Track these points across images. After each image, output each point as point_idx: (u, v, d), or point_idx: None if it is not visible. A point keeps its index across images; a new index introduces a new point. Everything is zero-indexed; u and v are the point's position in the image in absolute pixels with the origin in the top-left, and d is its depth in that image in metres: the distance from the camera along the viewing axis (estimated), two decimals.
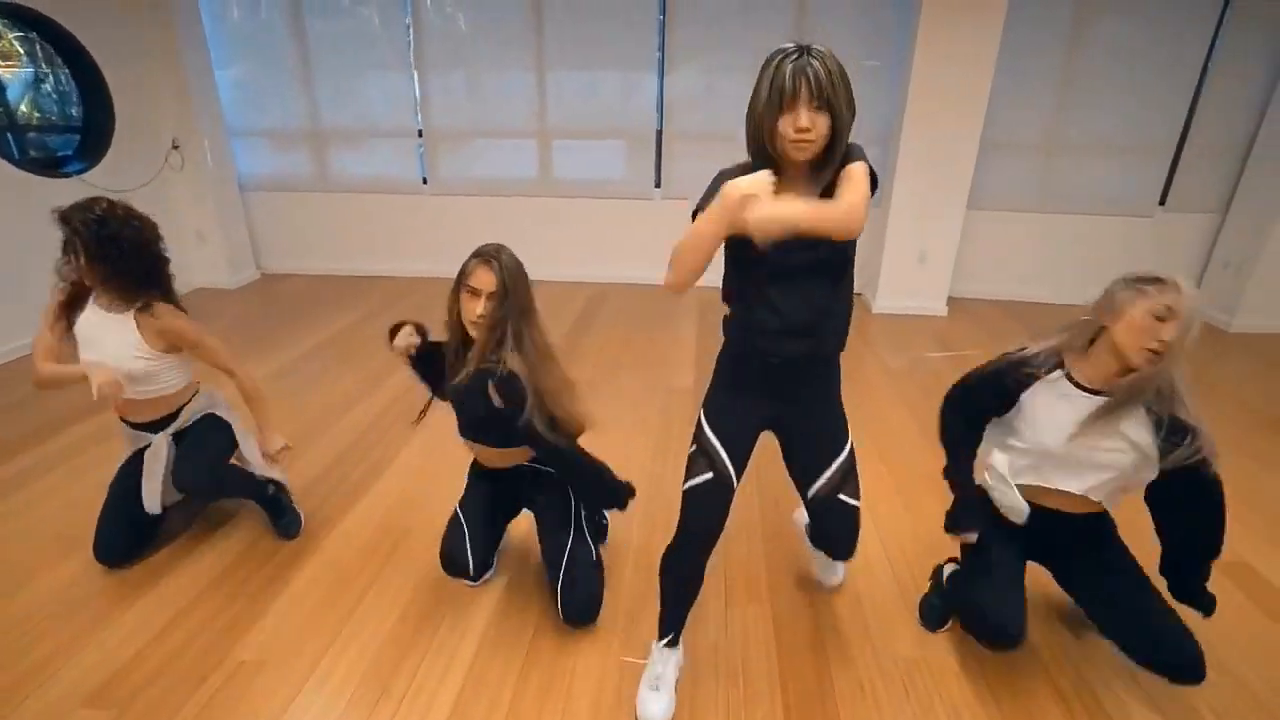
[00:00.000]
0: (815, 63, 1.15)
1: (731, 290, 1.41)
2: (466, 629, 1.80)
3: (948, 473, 1.67)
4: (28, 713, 1.54)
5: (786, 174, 1.26)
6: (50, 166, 3.98)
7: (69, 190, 3.89)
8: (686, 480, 1.49)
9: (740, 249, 1.30)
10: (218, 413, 2.08)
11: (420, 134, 4.86)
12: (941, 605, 1.84)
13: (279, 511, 2.13)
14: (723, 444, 1.46)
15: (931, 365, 3.70)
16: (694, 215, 1.29)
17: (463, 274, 1.57)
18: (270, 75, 4.79)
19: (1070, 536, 1.61)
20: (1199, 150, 4.40)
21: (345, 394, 3.18)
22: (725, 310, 1.45)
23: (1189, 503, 1.45)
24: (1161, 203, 4.53)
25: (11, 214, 3.56)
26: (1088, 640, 1.79)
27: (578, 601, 1.73)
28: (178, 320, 1.88)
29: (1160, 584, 1.55)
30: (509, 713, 1.56)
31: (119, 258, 1.74)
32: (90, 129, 4.16)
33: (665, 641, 1.57)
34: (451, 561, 1.85)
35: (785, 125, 1.17)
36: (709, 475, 1.45)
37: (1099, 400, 1.42)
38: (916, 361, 3.74)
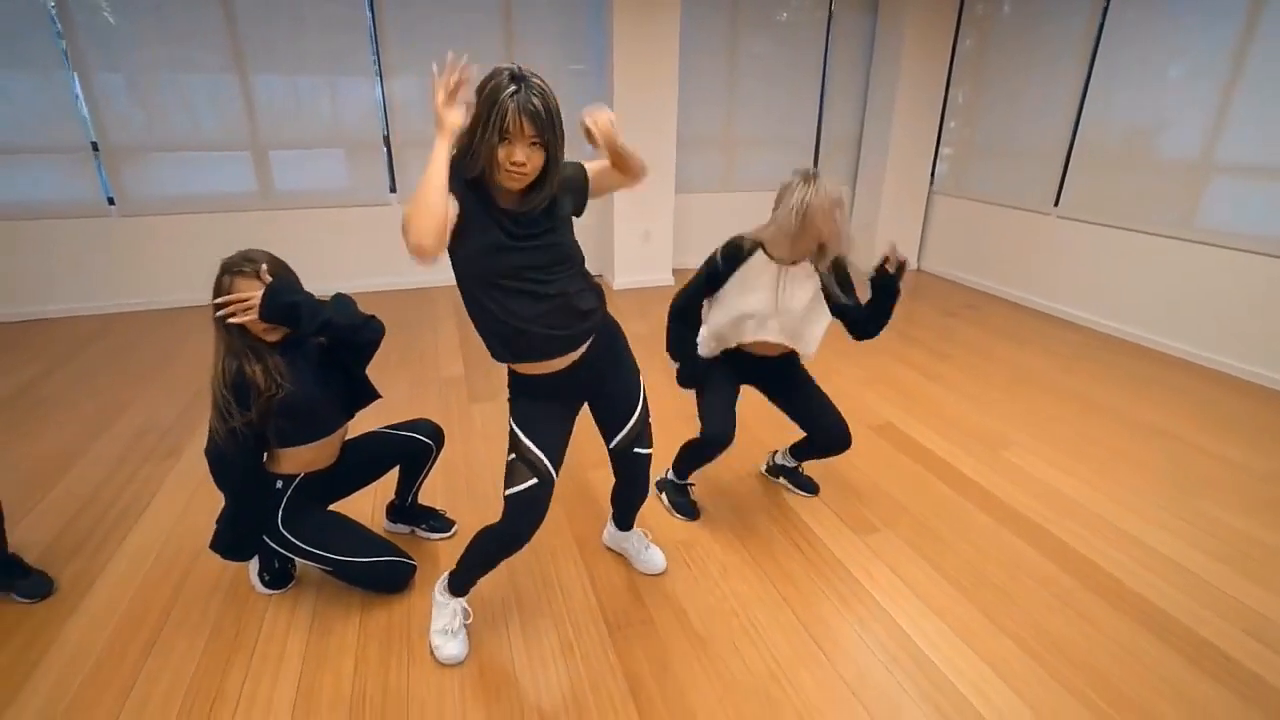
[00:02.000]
0: (535, 100, 1.25)
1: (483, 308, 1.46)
2: (290, 626, 1.81)
3: (680, 371, 2.14)
4: None
5: (499, 194, 1.38)
6: None
7: None
8: (510, 487, 1.54)
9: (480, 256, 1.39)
10: None
11: (95, 147, 4.17)
12: (683, 493, 2.34)
13: (19, 573, 1.86)
14: (541, 449, 1.55)
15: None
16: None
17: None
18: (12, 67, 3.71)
19: (772, 370, 2.19)
20: (831, 141, 5.78)
21: (60, 448, 2.73)
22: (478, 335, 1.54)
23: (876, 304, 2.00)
24: None
25: None
26: (797, 499, 2.44)
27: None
28: None
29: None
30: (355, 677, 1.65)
31: None
32: None
33: (460, 594, 1.73)
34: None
35: (503, 156, 1.28)
36: (533, 481, 1.54)
37: (790, 269, 1.94)
38: (660, 323, 4.36)
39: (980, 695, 1.62)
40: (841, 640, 1.79)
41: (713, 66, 5.21)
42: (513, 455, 1.56)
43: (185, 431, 2.86)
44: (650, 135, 4.79)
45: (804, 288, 1.98)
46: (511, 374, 1.62)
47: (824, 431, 2.19)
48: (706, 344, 2.16)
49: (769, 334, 2.04)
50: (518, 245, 1.40)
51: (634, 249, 5.10)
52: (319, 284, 5.12)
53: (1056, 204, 4.60)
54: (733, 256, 1.98)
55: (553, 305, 1.46)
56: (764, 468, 2.58)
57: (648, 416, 1.78)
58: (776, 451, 2.53)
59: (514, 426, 1.58)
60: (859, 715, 1.56)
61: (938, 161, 5.65)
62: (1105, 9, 4.16)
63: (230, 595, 1.92)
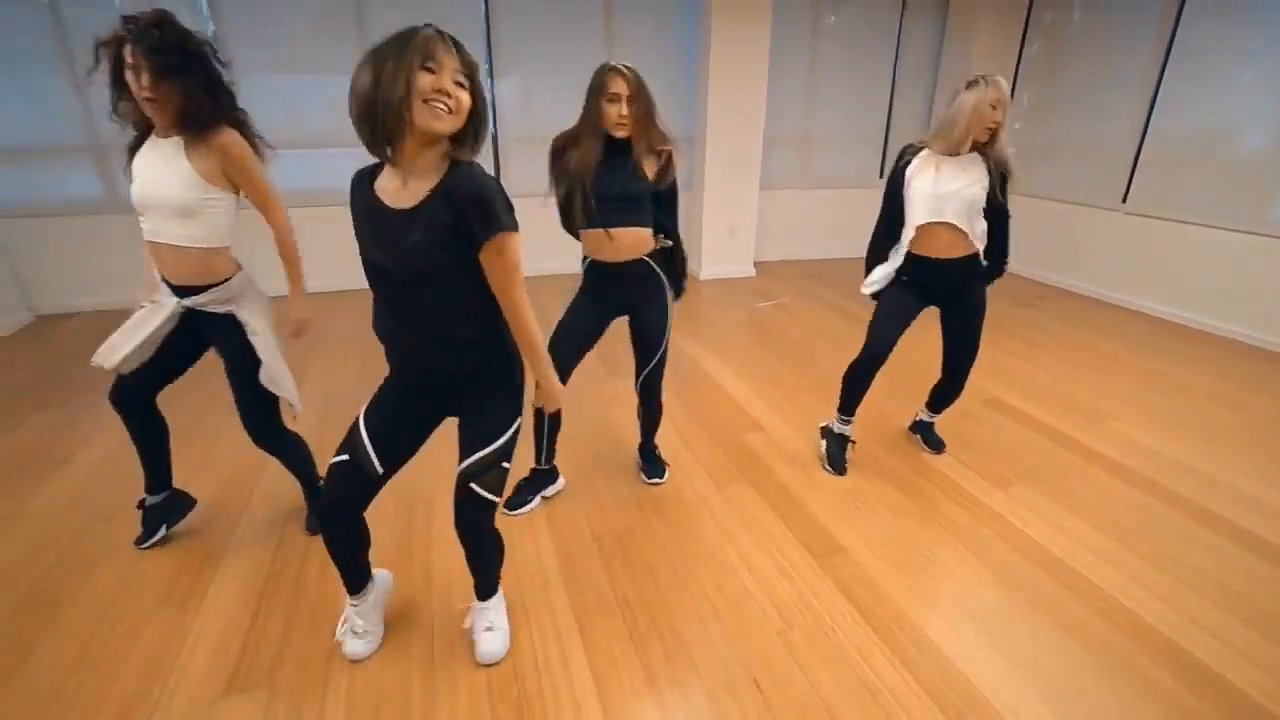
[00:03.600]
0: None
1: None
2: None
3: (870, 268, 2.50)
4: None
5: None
6: None
7: None
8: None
9: None
10: (239, 314, 1.89)
11: None
12: (841, 446, 2.64)
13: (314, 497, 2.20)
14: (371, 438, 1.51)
15: (763, 312, 4.68)
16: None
17: (601, 86, 1.95)
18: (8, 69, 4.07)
19: (952, 280, 2.37)
20: (900, 135, 6.07)
21: None
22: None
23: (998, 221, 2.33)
24: (880, 176, 6.14)
25: None
26: (934, 461, 2.76)
27: None
28: (233, 136, 1.74)
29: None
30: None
31: (190, 69, 1.64)
32: None
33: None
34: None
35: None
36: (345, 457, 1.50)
37: (947, 158, 2.23)
38: (751, 311, 4.69)
39: (1137, 604, 1.93)
40: (1012, 569, 2.11)
41: (794, 68, 5.52)
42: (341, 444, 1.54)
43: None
44: (739, 134, 5.10)
45: (962, 175, 2.22)
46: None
47: (954, 374, 2.55)
48: (898, 251, 2.42)
49: (937, 215, 2.25)
50: None
51: (720, 243, 5.42)
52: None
53: (1125, 200, 4.89)
54: (900, 156, 2.34)
55: None
56: (909, 424, 2.91)
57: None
58: (919, 410, 2.85)
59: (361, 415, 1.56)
60: (1044, 620, 1.88)
61: None
62: (1178, 18, 4.44)
63: None
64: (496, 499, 1.54)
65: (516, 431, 1.53)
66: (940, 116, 2.26)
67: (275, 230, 1.92)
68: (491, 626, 1.73)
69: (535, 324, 1.44)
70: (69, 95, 4.15)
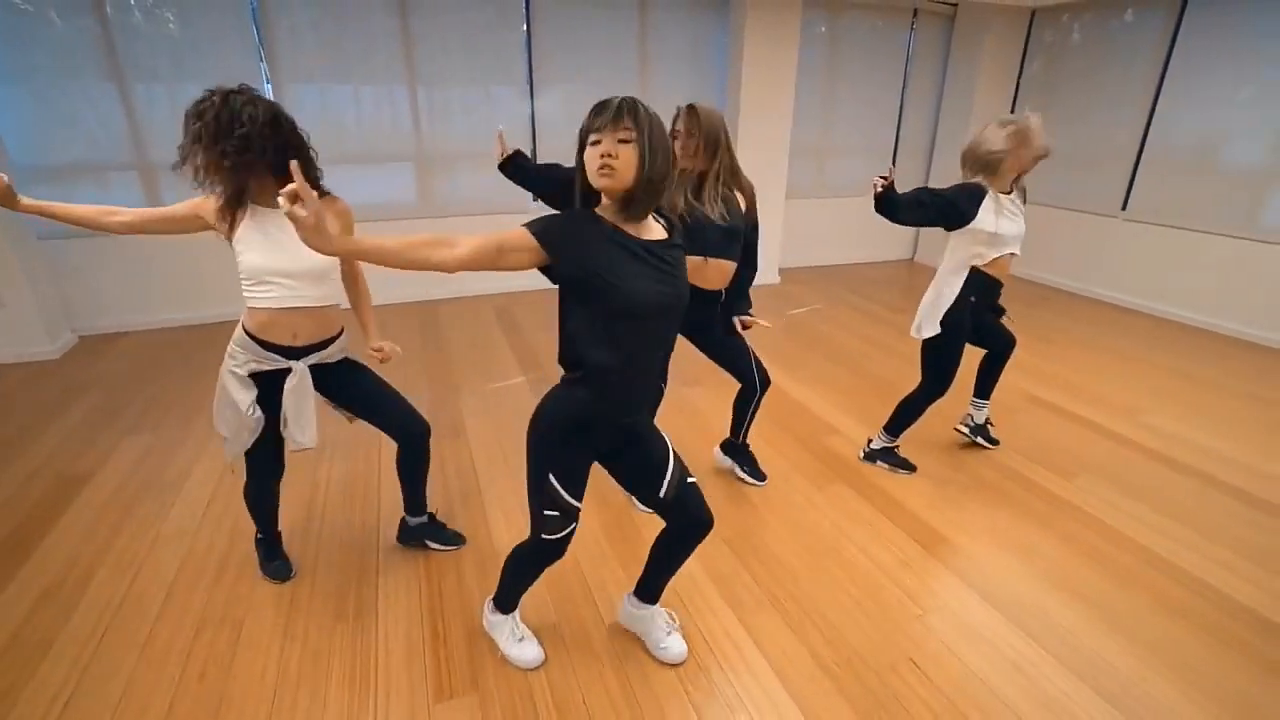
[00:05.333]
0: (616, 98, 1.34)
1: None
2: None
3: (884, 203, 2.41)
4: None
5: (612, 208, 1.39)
6: None
7: None
8: (550, 534, 1.58)
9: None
10: (349, 356, 2.02)
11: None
12: (894, 454, 2.86)
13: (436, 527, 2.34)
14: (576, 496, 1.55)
15: (797, 318, 4.91)
16: (541, 237, 1.31)
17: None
18: (60, 94, 4.03)
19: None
20: (908, 149, 6.38)
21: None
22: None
23: None
24: None
25: None
26: (995, 455, 3.01)
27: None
28: (344, 201, 1.86)
29: None
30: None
31: (290, 145, 1.67)
32: None
33: (505, 612, 1.86)
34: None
35: (590, 155, 1.33)
36: (571, 527, 1.59)
37: (1008, 197, 2.48)
38: (789, 319, 4.91)
39: (1220, 581, 2.20)
40: (1103, 554, 2.35)
41: (812, 83, 5.77)
42: (555, 512, 1.54)
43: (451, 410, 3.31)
44: (767, 147, 5.33)
45: (1018, 211, 2.53)
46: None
47: (1001, 351, 2.83)
48: (955, 276, 2.57)
49: (1012, 248, 2.54)
50: None
51: None
52: (470, 283, 5.50)
53: (1124, 208, 5.26)
54: (973, 196, 2.43)
55: None
56: (968, 429, 3.11)
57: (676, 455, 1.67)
58: (970, 414, 3.07)
59: (551, 479, 1.51)
60: (1146, 599, 2.13)
61: None
62: (1174, 38, 4.82)
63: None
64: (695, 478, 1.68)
65: None
66: (992, 155, 2.40)
67: (359, 278, 2.06)
68: (670, 629, 1.89)
69: None
70: (117, 113, 4.13)
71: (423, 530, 2.30)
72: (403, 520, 2.32)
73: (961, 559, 2.30)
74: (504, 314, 4.92)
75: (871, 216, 2.55)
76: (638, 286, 1.34)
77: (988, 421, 3.07)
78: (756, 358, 2.53)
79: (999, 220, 2.46)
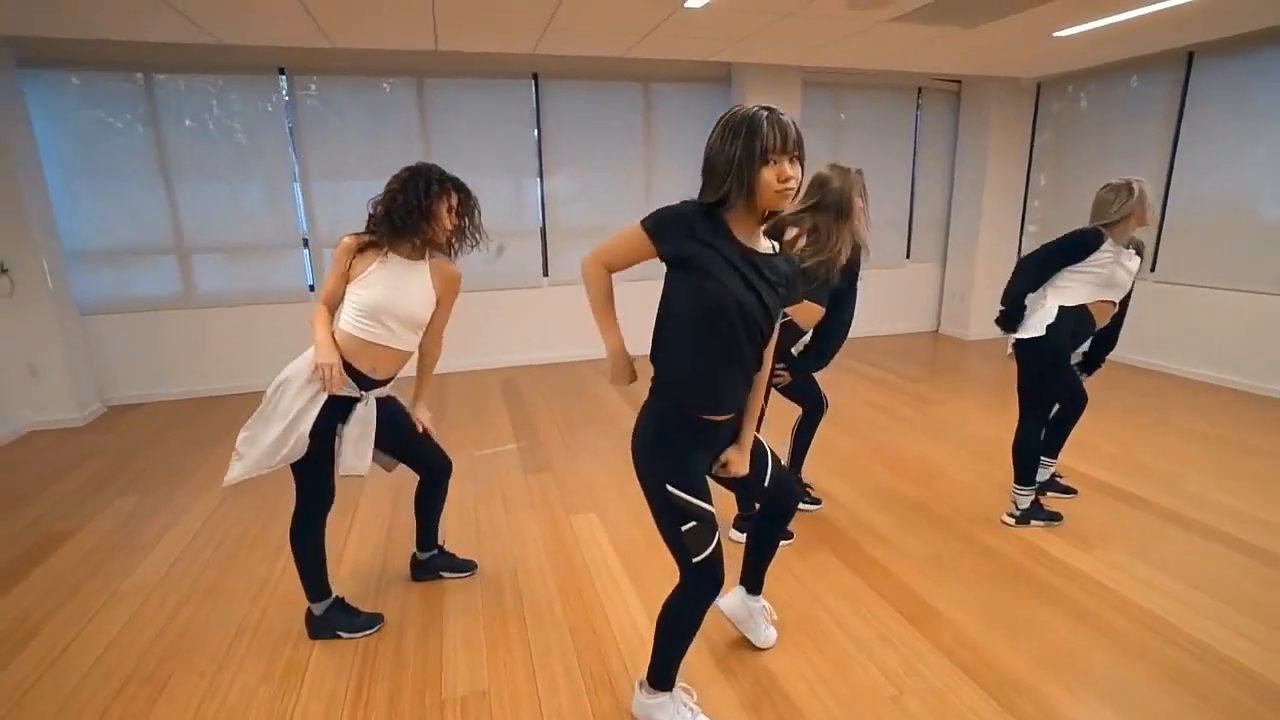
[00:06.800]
0: (784, 116, 1.35)
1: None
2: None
3: (1007, 308, 2.66)
4: None
5: (743, 218, 1.42)
6: None
7: None
8: (698, 554, 1.51)
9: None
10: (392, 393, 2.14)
11: (306, 243, 4.84)
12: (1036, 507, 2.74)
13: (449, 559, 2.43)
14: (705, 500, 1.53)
15: None
16: (650, 230, 1.40)
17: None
18: (117, 188, 4.43)
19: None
20: (923, 219, 6.36)
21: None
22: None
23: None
24: (907, 256, 6.38)
25: None
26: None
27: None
28: (457, 269, 2.08)
29: None
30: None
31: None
32: None
33: (665, 689, 1.68)
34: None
35: (770, 175, 1.33)
36: (717, 538, 1.53)
37: (1123, 249, 2.52)
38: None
39: (1246, 657, 1.88)
40: (1118, 630, 2.07)
41: (819, 158, 5.86)
42: (691, 523, 1.49)
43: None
44: None
45: (1130, 262, 2.58)
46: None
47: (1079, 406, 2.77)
48: (1061, 296, 2.58)
49: (1117, 295, 2.59)
50: None
51: None
52: (483, 359, 5.59)
53: (1153, 270, 5.03)
54: (1094, 239, 2.52)
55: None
56: (1046, 478, 2.96)
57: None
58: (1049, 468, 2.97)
59: (671, 489, 1.49)
60: (1163, 680, 1.84)
61: (1024, 237, 6.17)
62: (1182, 102, 4.75)
63: None
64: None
65: None
66: (1119, 210, 2.50)
67: (437, 344, 2.16)
68: (771, 617, 2.07)
69: None
70: (162, 203, 4.52)
71: (435, 563, 2.40)
72: (413, 557, 2.40)
73: (949, 634, 2.06)
74: (509, 386, 4.94)
75: (888, 288, 2.67)
76: (728, 282, 1.39)
77: (1054, 476, 3.00)
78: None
79: (1114, 267, 2.51)
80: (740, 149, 1.34)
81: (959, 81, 6.06)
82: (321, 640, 2.08)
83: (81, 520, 2.91)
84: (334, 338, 1.92)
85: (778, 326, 1.55)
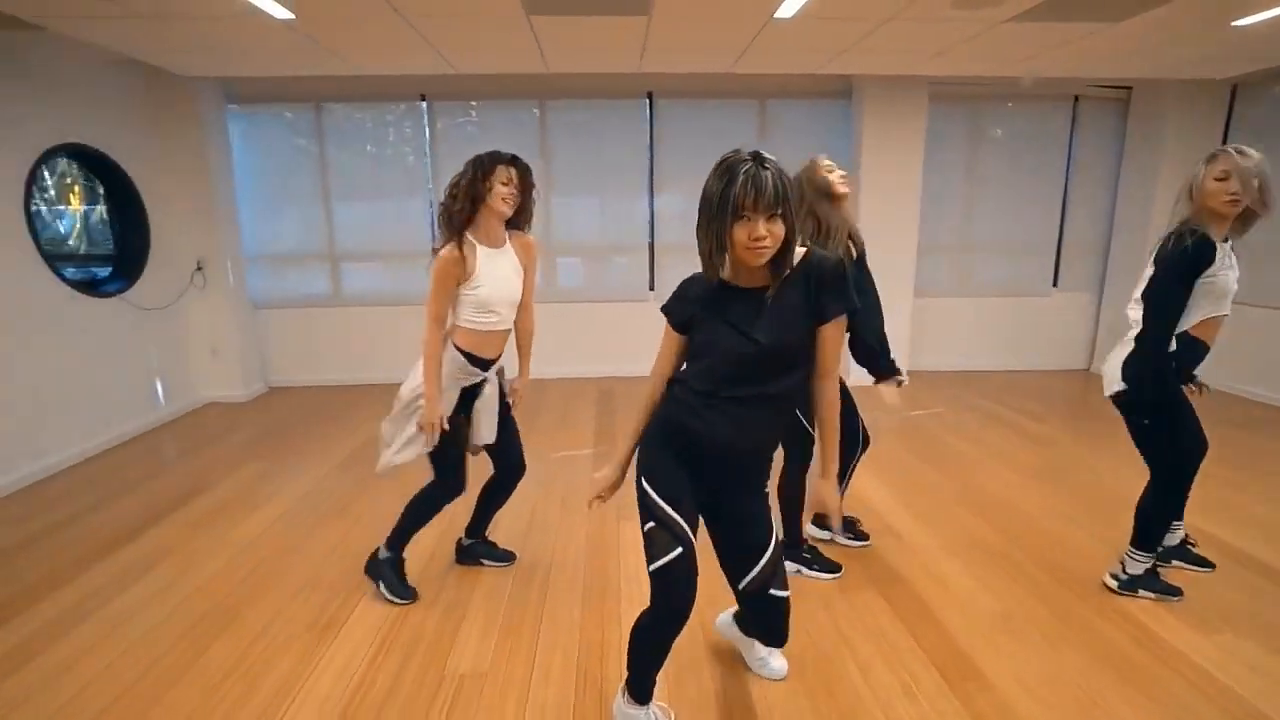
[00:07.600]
0: (766, 171, 1.25)
1: None
2: None
3: (1159, 369, 2.09)
4: None
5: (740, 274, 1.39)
6: (90, 287, 4.10)
7: (109, 309, 4.05)
8: (652, 561, 1.44)
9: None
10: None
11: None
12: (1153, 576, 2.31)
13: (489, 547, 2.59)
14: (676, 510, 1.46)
15: (916, 420, 4.40)
16: (664, 311, 1.52)
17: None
18: (285, 201, 5.22)
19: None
20: (1075, 245, 5.66)
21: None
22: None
23: None
24: (1054, 284, 5.69)
25: (56, 336, 3.69)
26: None
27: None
28: (530, 237, 2.24)
29: None
30: None
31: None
32: (127, 252, 4.36)
33: (640, 702, 1.63)
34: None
35: (741, 233, 1.27)
36: (679, 553, 1.42)
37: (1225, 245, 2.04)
38: (904, 419, 4.43)
39: None
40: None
41: (952, 173, 5.45)
42: (651, 524, 1.45)
43: None
44: (892, 239, 5.07)
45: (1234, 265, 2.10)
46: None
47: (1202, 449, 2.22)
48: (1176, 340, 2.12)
49: (1226, 308, 2.10)
50: None
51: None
52: (585, 368, 5.76)
53: None
54: (1203, 244, 2.01)
55: None
56: (1175, 543, 2.52)
57: (781, 556, 1.59)
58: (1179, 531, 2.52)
59: (645, 484, 1.48)
60: None
61: None
62: None
63: None
64: (788, 592, 1.57)
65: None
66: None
67: (529, 317, 2.31)
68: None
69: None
70: (320, 215, 5.24)
71: (478, 549, 2.56)
72: (458, 541, 2.57)
73: (987, 701, 1.81)
74: (604, 395, 5.07)
75: (1022, 319, 2.31)
76: (718, 334, 1.42)
77: (1185, 541, 2.53)
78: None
79: (1224, 272, 2.04)
80: (715, 201, 1.30)
81: (1128, 88, 5.34)
82: (367, 590, 2.34)
83: (218, 477, 3.44)
84: (454, 341, 2.12)
85: (798, 356, 1.44)
